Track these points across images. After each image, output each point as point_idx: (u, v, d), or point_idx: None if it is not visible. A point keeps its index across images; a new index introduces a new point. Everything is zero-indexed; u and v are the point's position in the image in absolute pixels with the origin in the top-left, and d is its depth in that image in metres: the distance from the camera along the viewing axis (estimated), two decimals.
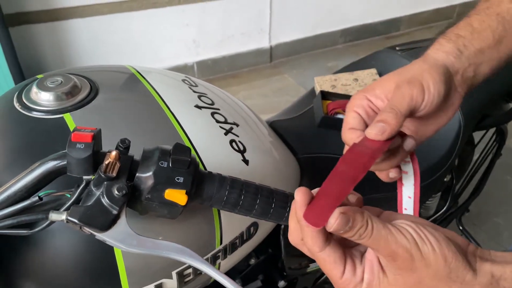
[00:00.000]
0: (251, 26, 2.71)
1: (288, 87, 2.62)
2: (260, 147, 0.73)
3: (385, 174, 0.47)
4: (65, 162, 0.45)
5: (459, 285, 0.34)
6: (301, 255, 1.04)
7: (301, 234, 0.36)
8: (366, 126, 0.46)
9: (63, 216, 0.42)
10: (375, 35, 3.20)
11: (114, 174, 0.44)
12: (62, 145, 0.47)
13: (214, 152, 0.63)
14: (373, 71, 1.04)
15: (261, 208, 0.49)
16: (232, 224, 0.61)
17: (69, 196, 0.46)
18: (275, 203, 0.50)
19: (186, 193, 0.46)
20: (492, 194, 1.84)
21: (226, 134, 0.66)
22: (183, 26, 2.50)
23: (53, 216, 0.42)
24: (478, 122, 1.07)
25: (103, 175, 0.43)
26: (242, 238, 0.64)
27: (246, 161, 0.65)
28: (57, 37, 2.22)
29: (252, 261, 0.88)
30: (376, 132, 0.42)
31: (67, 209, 0.44)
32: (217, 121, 0.68)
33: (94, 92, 0.62)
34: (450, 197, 1.20)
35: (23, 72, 2.00)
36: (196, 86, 0.75)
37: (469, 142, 1.22)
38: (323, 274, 1.20)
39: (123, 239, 0.43)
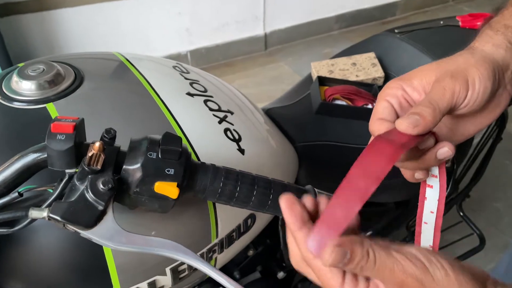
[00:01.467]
0: (245, 13, 2.66)
1: (284, 75, 2.58)
2: (256, 135, 0.70)
3: (411, 174, 0.43)
4: (46, 155, 0.41)
5: None
6: None
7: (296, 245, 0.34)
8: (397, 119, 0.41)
9: (45, 213, 0.39)
10: (370, 20, 3.16)
11: (99, 167, 0.40)
12: (45, 137, 0.44)
13: (207, 142, 0.60)
14: (372, 55, 1.01)
15: (258, 200, 0.46)
16: (228, 216, 0.59)
17: (51, 191, 0.43)
18: (273, 194, 0.47)
19: (178, 186, 0.43)
20: (491, 179, 1.83)
21: (220, 122, 0.63)
22: (175, 15, 2.45)
23: (34, 213, 0.39)
24: None
25: (86, 168, 0.40)
26: (239, 231, 0.61)
27: (241, 151, 0.62)
28: (46, 27, 2.16)
29: (250, 253, 0.86)
30: (408, 125, 0.37)
31: (48, 206, 0.41)
32: (211, 109, 0.64)
33: (79, 80, 0.58)
34: (451, 183, 1.17)
35: (12, 63, 1.95)
36: (188, 72, 0.71)
37: None
38: None
39: (111, 236, 0.40)
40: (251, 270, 1.00)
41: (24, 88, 0.55)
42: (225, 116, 0.65)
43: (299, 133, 0.85)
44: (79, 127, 0.42)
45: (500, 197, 1.84)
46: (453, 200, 1.31)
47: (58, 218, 0.38)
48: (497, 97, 0.42)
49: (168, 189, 0.42)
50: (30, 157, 0.42)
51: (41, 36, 2.18)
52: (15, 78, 0.56)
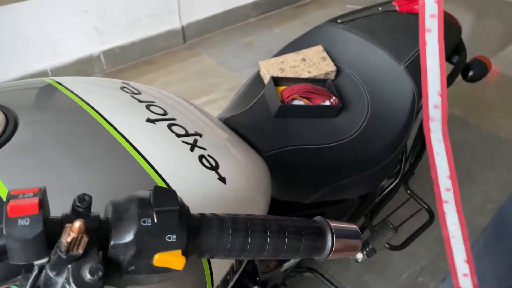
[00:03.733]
0: (158, 6, 2.50)
1: (208, 68, 2.48)
2: (230, 157, 0.62)
3: None
4: (3, 243, 0.31)
5: None
6: None
7: None
8: None
9: None
10: (285, 5, 3.17)
11: (81, 251, 0.31)
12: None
13: (184, 176, 0.51)
14: (319, 48, 0.97)
15: (273, 248, 0.40)
16: (222, 260, 0.51)
17: None
18: (287, 237, 0.40)
19: (183, 253, 0.34)
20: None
21: (192, 149, 0.55)
22: (81, 13, 2.23)
23: None
24: None
25: (64, 256, 0.30)
26: (233, 271, 0.54)
27: (222, 179, 0.54)
28: None
29: None
30: None
31: None
32: (178, 135, 0.55)
33: (12, 123, 0.46)
34: (402, 167, 1.19)
35: None
36: (140, 93, 0.61)
37: None
38: (287, 268, 1.14)
39: None
40: None
41: None
42: (195, 141, 0.56)
43: (262, 142, 0.79)
44: (44, 201, 0.31)
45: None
46: (401, 181, 1.34)
47: None
48: None
49: (171, 260, 0.34)
50: None
51: None
52: None
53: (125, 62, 2.51)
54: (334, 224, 0.43)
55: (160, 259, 0.34)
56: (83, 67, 2.34)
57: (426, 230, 1.47)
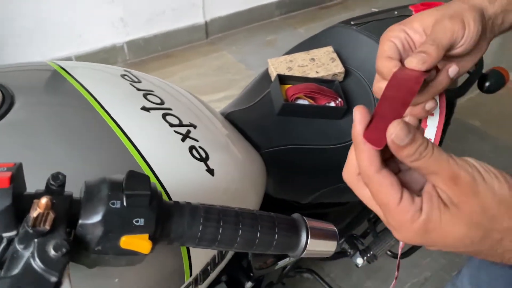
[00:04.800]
0: (183, 1, 2.53)
1: (228, 65, 2.49)
2: (223, 150, 0.62)
3: (421, 108, 0.46)
4: None
5: None
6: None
7: (356, 157, 0.35)
8: (401, 58, 0.45)
9: None
10: (309, 6, 3.15)
11: (48, 227, 0.32)
12: None
13: (172, 165, 0.52)
14: (330, 49, 0.96)
15: (244, 240, 0.40)
16: (201, 250, 0.51)
17: None
18: (260, 231, 0.40)
19: (150, 238, 0.35)
20: None
21: (183, 140, 0.55)
22: (107, 4, 2.27)
23: None
24: None
25: (31, 230, 0.31)
26: (214, 263, 0.54)
27: (210, 171, 0.55)
28: None
29: None
30: (417, 62, 0.42)
31: None
32: (171, 125, 0.56)
33: (8, 101, 0.48)
34: None
35: None
36: (139, 82, 0.62)
37: None
38: (285, 267, 1.14)
39: None
40: (215, 282, 0.94)
41: None
42: (188, 132, 0.57)
43: (263, 138, 0.79)
44: (17, 176, 0.32)
45: None
46: None
47: None
48: (480, 42, 0.47)
49: (138, 243, 0.35)
50: None
51: None
52: None
53: (147, 54, 2.55)
54: (310, 222, 0.43)
55: (127, 242, 0.34)
56: (106, 56, 2.39)
57: None
